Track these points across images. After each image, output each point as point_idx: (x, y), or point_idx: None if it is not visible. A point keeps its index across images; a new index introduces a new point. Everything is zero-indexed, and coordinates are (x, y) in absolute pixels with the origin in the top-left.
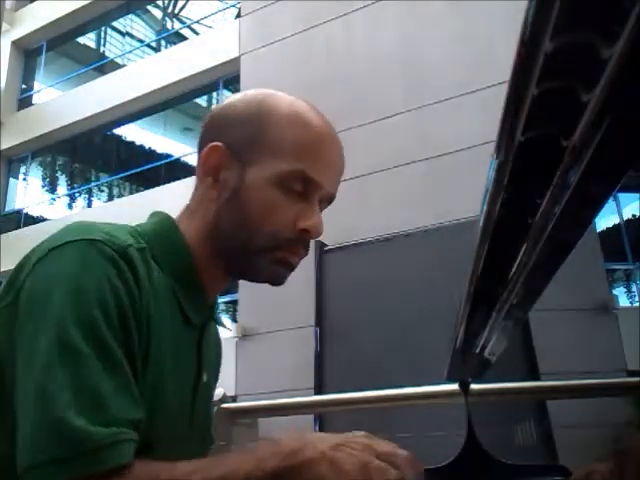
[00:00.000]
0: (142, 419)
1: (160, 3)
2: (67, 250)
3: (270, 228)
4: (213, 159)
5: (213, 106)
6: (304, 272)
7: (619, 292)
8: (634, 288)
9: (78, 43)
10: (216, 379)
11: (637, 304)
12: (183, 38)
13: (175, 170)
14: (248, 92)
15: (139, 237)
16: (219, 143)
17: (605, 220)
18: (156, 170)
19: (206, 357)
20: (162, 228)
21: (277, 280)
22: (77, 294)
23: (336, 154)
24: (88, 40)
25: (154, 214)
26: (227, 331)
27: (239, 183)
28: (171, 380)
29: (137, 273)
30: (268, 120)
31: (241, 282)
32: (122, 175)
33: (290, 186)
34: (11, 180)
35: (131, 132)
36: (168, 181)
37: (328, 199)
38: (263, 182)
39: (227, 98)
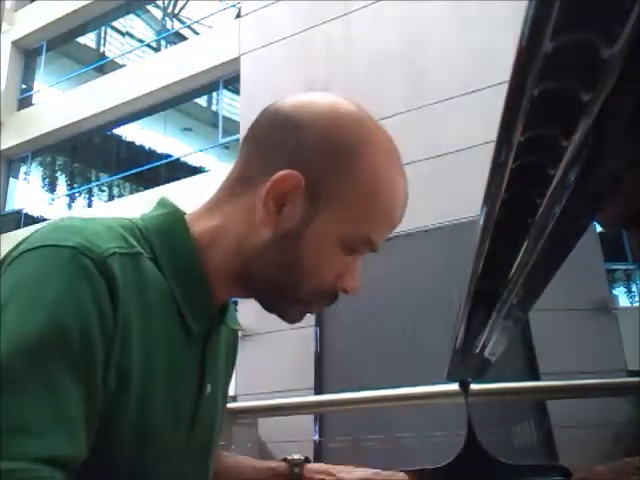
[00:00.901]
0: (76, 454)
1: (160, 3)
2: (35, 256)
3: (316, 283)
4: (286, 188)
5: (301, 111)
6: None
7: (619, 292)
8: (634, 288)
9: (78, 43)
10: (227, 383)
11: (637, 304)
12: (183, 38)
13: (175, 170)
14: (345, 114)
15: (135, 237)
16: (299, 174)
17: None
18: (156, 170)
19: (212, 366)
20: (167, 224)
21: (293, 322)
22: (32, 309)
23: (401, 218)
24: (88, 40)
25: (162, 204)
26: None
27: (304, 226)
28: (164, 395)
29: (115, 285)
30: (362, 171)
31: None
32: (122, 175)
33: (352, 247)
34: (11, 180)
35: (131, 132)
36: (168, 181)
37: (373, 249)
38: (330, 237)
39: (320, 111)
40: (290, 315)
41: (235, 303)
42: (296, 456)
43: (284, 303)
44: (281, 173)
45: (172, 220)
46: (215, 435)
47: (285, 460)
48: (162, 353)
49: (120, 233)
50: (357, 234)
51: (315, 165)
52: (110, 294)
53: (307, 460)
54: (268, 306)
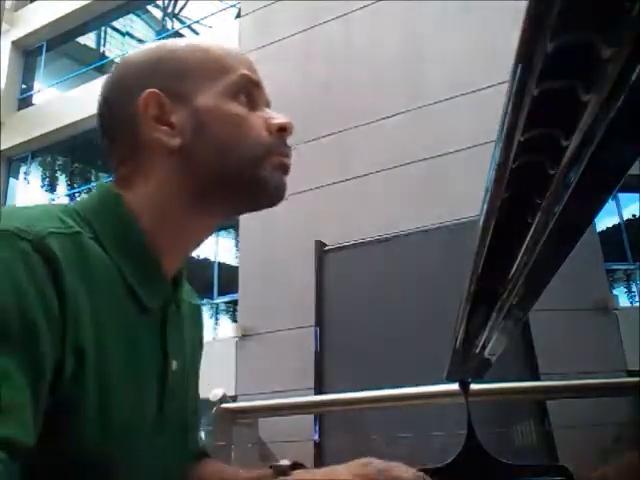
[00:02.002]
0: (24, 440)
1: (160, 3)
2: None
3: (251, 138)
4: (154, 107)
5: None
6: (304, 272)
7: (619, 292)
8: (634, 288)
9: (78, 43)
10: (197, 362)
11: (637, 304)
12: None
13: None
14: (136, 49)
15: (73, 219)
16: (153, 89)
17: (605, 220)
18: None
19: (175, 341)
20: (102, 202)
21: (282, 187)
22: None
23: (250, 59)
24: (88, 40)
25: (97, 186)
26: (227, 331)
27: (196, 115)
28: (124, 373)
29: (57, 265)
30: (183, 53)
31: (241, 281)
32: None
33: (241, 96)
34: (11, 180)
35: None
36: None
37: (267, 104)
38: (220, 101)
39: (121, 59)
40: (269, 181)
41: (235, 303)
42: (283, 462)
43: (257, 170)
44: (142, 97)
45: (107, 198)
46: (190, 411)
47: (271, 467)
48: (117, 330)
49: (57, 215)
50: (233, 81)
51: (156, 76)
52: (52, 274)
53: (296, 466)
54: (252, 187)
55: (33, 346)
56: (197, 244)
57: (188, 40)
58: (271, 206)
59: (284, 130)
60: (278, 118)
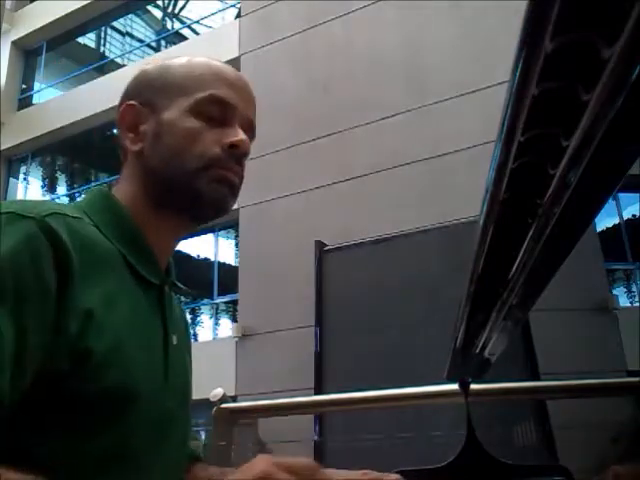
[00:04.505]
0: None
1: (160, 3)
2: None
3: (197, 150)
4: (129, 117)
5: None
6: (304, 272)
7: (619, 292)
8: (634, 288)
9: (78, 43)
10: (188, 351)
11: (637, 304)
12: (183, 38)
13: None
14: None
15: (72, 209)
16: (131, 101)
17: (605, 220)
18: None
19: (171, 320)
20: (96, 198)
21: (220, 200)
22: None
23: (238, 78)
24: (88, 40)
25: (90, 189)
26: (227, 331)
27: (159, 126)
28: (135, 334)
29: (58, 241)
30: (170, 70)
31: (241, 281)
32: None
33: (208, 113)
34: (11, 180)
35: None
36: None
37: (249, 125)
38: (180, 116)
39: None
40: (204, 192)
41: (235, 303)
42: None
43: (192, 180)
44: (120, 110)
45: (100, 195)
46: (189, 388)
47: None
48: (124, 301)
49: (55, 204)
50: (197, 99)
51: (141, 90)
52: (53, 250)
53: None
54: (188, 196)
55: (24, 302)
56: (177, 239)
57: (185, 58)
58: (212, 218)
59: (234, 147)
60: (234, 136)
